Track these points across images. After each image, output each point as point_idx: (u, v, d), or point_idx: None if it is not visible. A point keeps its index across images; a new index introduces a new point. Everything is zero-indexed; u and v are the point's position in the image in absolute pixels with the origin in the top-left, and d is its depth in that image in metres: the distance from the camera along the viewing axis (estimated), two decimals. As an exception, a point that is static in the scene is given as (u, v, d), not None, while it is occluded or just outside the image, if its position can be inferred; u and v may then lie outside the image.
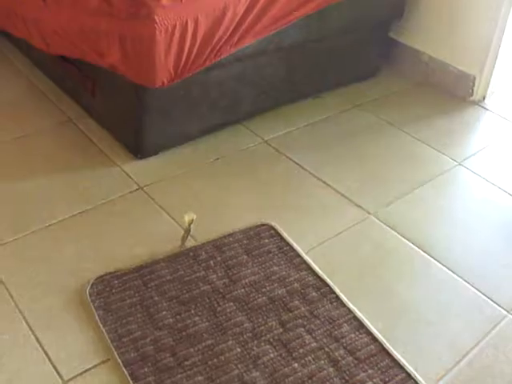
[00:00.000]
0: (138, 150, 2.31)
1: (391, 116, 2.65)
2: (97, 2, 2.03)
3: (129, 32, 2.00)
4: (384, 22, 2.77)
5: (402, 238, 2.04)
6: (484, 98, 2.81)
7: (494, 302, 1.84)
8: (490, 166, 2.40)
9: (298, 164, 2.33)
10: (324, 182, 2.25)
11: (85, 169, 2.28)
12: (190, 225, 1.92)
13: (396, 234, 2.05)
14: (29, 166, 2.31)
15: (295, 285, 1.82)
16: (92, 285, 1.81)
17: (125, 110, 2.28)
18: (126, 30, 2.00)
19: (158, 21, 1.92)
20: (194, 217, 1.92)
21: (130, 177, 2.24)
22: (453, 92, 2.83)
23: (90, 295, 1.78)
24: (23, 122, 2.54)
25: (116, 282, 1.82)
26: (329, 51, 2.59)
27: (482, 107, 2.77)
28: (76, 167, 2.29)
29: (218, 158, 2.35)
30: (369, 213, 2.13)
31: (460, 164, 2.40)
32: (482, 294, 1.87)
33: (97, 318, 1.71)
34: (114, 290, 1.79)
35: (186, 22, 1.98)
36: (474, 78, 2.75)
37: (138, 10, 1.93)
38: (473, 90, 2.78)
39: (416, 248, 2.01)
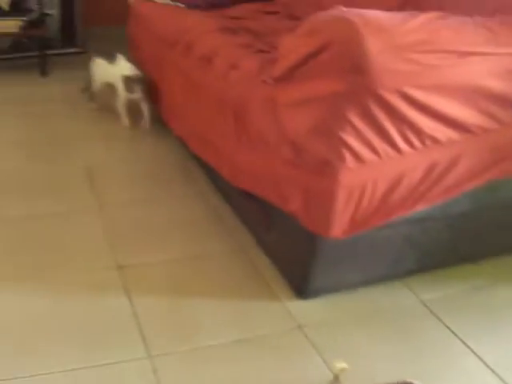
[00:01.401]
0: (302, 290, 2.45)
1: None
2: (290, 154, 2.23)
3: (313, 186, 2.19)
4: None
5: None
6: None
7: None
8: None
9: (448, 327, 2.38)
10: (472, 351, 2.28)
11: (248, 298, 2.45)
12: (339, 372, 2.03)
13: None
14: (197, 284, 2.51)
15: None
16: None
17: (296, 251, 2.44)
18: (311, 183, 2.19)
19: (340, 180, 2.10)
20: (345, 366, 2.03)
21: (291, 314, 2.38)
22: None
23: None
24: (198, 242, 2.78)
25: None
26: (495, 220, 2.65)
27: None
28: (241, 295, 2.46)
29: (374, 311, 2.44)
30: (513, 389, 2.15)
31: None
32: None
33: None
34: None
35: (366, 184, 2.15)
36: None
37: (325, 168, 2.12)
38: None
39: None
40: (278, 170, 2.32)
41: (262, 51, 2.74)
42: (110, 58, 3.88)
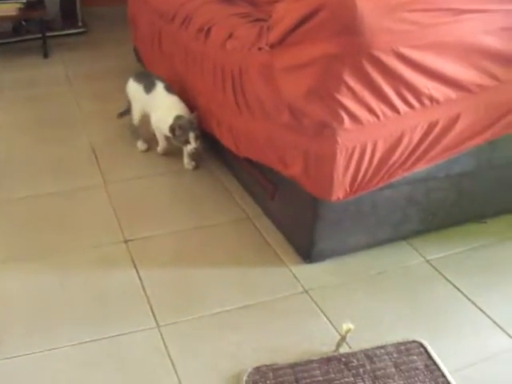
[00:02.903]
0: (308, 254, 2.47)
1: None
2: (288, 118, 2.24)
3: (313, 149, 2.20)
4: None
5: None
6: None
7: None
8: None
9: (455, 286, 2.40)
10: (479, 308, 2.30)
11: (255, 265, 2.47)
12: (346, 333, 2.05)
13: (546, 368, 2.07)
14: (203, 254, 2.54)
15: (437, 403, 1.90)
16: (249, 374, 1.97)
17: (299, 216, 2.47)
18: (311, 146, 2.20)
19: (339, 142, 2.11)
20: (352, 327, 2.05)
21: (297, 279, 2.40)
22: None
23: (246, 383, 1.94)
24: (204, 213, 2.80)
25: (271, 374, 1.98)
26: (497, 178, 2.66)
27: None
28: (247, 262, 2.49)
29: (380, 272, 2.46)
30: (519, 344, 2.16)
31: None
32: None
33: (250, 405, 1.87)
34: (268, 382, 1.95)
35: (366, 145, 2.16)
36: None
37: (324, 131, 2.13)
38: None
39: None
40: (278, 135, 2.34)
41: (259, 20, 2.73)
42: (146, 79, 3.24)
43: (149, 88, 3.19)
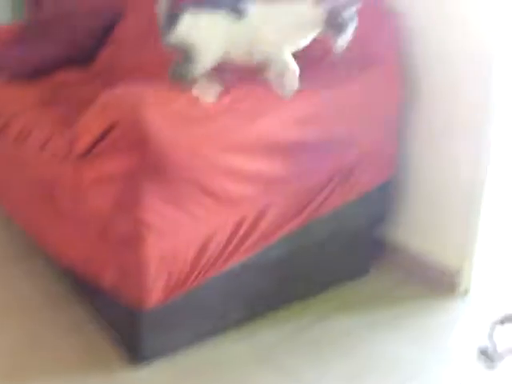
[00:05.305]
0: (135, 358, 2.44)
1: (374, 317, 2.76)
2: (98, 231, 2.28)
3: (122, 261, 2.25)
4: (366, 227, 2.91)
5: None
6: (468, 292, 2.92)
7: None
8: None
9: (283, 370, 2.45)
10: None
11: (83, 373, 2.43)
12: None
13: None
14: (33, 364, 2.47)
15: None
16: None
17: (122, 322, 2.48)
18: (120, 258, 2.25)
19: (146, 253, 2.18)
20: None
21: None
22: (437, 286, 2.92)
23: None
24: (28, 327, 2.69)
25: None
26: (314, 259, 2.74)
27: (466, 301, 2.87)
28: (75, 371, 2.44)
29: (209, 366, 2.47)
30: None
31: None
32: None
33: None
34: None
35: (175, 252, 2.22)
36: (459, 272, 2.87)
37: (130, 243, 2.18)
38: (456, 284, 2.89)
39: None
40: (89, 246, 2.36)
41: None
42: None
43: None
